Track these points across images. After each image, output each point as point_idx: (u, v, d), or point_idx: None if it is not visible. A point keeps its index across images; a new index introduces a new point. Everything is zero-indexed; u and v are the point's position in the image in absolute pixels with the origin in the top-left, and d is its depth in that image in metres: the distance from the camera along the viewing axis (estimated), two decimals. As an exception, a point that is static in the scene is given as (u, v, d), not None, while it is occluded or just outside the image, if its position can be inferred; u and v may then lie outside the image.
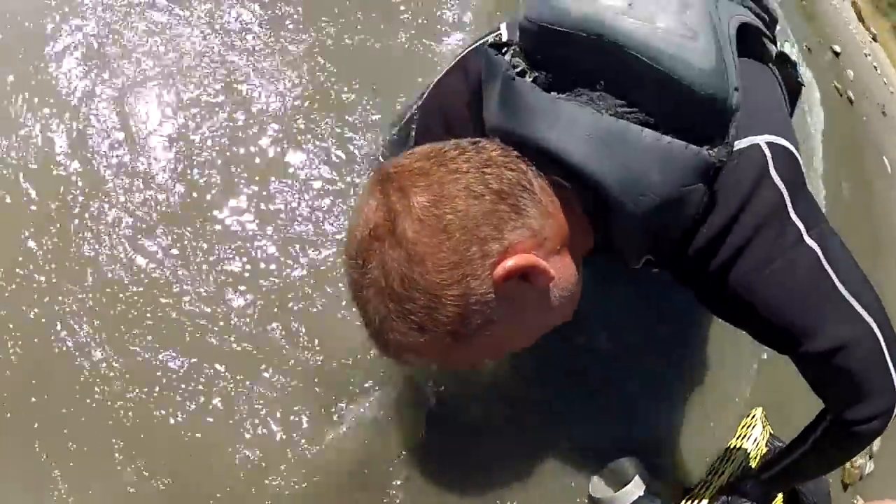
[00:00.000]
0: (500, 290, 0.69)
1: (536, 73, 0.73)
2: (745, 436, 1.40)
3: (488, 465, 1.21)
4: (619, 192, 0.71)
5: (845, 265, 0.82)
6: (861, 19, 3.32)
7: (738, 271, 0.79)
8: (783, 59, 1.05)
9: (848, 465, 2.31)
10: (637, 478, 1.17)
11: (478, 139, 0.75)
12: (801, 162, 0.84)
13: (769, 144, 0.78)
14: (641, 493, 1.13)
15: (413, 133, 1.15)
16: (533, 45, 0.75)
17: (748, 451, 1.34)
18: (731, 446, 1.40)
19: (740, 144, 0.76)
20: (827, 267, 0.79)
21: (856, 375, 0.83)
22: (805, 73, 2.84)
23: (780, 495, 1.32)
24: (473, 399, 1.27)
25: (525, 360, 1.27)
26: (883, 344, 0.82)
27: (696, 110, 0.69)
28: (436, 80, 1.05)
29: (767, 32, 1.00)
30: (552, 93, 0.73)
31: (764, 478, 1.11)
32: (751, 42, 0.93)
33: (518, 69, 0.75)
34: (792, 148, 0.81)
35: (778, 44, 1.07)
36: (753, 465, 1.30)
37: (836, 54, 3.22)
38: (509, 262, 0.67)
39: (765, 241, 0.78)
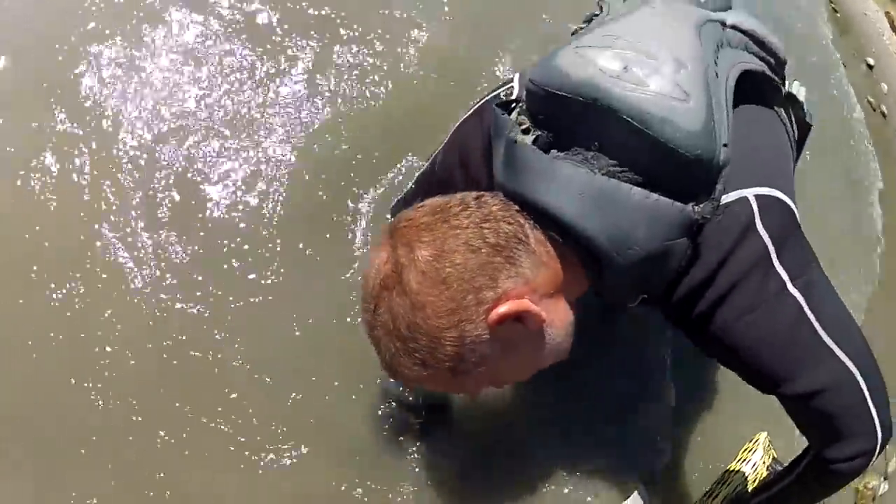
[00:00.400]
0: (494, 332, 0.77)
1: (539, 133, 0.80)
2: (744, 459, 1.44)
3: (489, 486, 1.28)
4: (608, 246, 0.76)
5: (831, 311, 0.86)
6: (894, 29, 3.23)
7: (719, 319, 0.84)
8: (791, 100, 1.08)
9: (861, 486, 2.32)
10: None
11: (482, 193, 0.83)
12: (794, 210, 0.87)
13: (758, 197, 0.82)
14: None
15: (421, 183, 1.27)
16: (536, 106, 0.82)
17: (746, 474, 1.38)
18: (730, 469, 1.43)
19: (728, 198, 0.81)
20: (809, 314, 0.83)
21: (835, 418, 0.87)
22: (845, 89, 2.81)
23: None
24: (471, 420, 1.34)
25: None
26: (864, 388, 0.86)
27: (683, 169, 0.75)
28: (456, 125, 1.13)
29: (774, 76, 1.02)
30: (552, 151, 0.79)
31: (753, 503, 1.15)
32: (756, 87, 0.97)
33: (523, 127, 0.81)
34: (784, 198, 0.85)
35: (787, 84, 1.10)
36: (750, 489, 1.34)
37: (870, 67, 3.15)
38: (502, 308, 0.76)
39: (746, 290, 0.82)
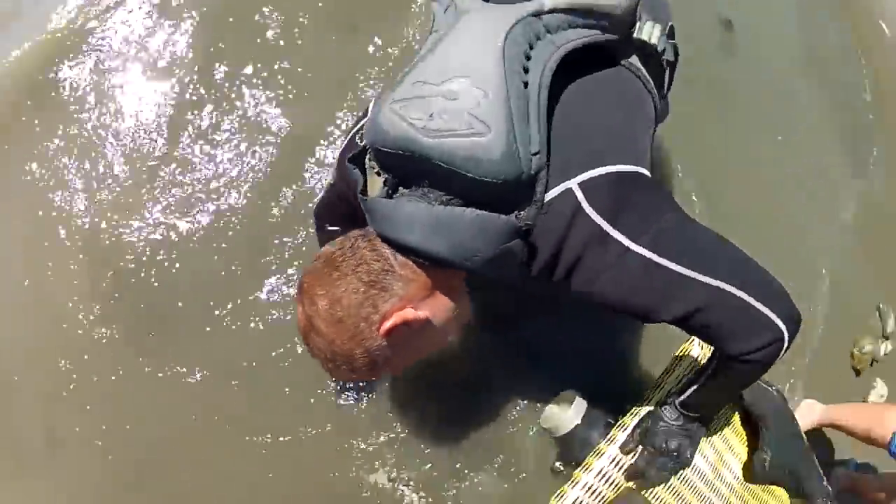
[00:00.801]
0: (389, 339, 1.00)
1: (386, 176, 0.96)
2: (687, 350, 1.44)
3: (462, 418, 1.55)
4: (455, 257, 0.94)
5: (689, 246, 0.95)
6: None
7: (575, 283, 0.99)
8: (643, 46, 1.09)
9: (856, 351, 2.42)
10: (578, 400, 1.36)
11: (357, 237, 1.00)
12: (633, 172, 0.96)
13: (582, 184, 0.92)
14: (580, 418, 1.32)
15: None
16: (376, 157, 0.97)
17: (696, 356, 1.41)
18: (677, 354, 1.45)
19: (553, 193, 0.93)
20: (659, 261, 0.93)
21: (721, 326, 0.96)
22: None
23: (736, 415, 1.45)
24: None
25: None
26: (744, 296, 0.93)
27: (497, 190, 0.89)
28: (339, 151, 1.27)
29: (611, 37, 1.05)
30: (400, 188, 0.96)
31: (677, 402, 1.20)
32: (594, 52, 1.03)
33: (375, 170, 0.98)
34: (616, 168, 0.94)
35: (637, 28, 1.09)
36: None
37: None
38: (387, 324, 0.97)
39: (589, 263, 0.95)
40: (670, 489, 1.30)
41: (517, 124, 0.84)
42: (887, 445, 1.79)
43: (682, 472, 1.29)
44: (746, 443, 1.49)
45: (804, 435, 1.86)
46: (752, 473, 1.45)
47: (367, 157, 0.98)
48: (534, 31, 0.92)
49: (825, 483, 1.60)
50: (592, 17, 1.00)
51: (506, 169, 0.84)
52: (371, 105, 1.06)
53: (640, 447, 1.21)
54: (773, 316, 0.96)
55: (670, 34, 1.14)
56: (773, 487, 1.56)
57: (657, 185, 1.02)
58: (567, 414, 1.32)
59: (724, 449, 1.43)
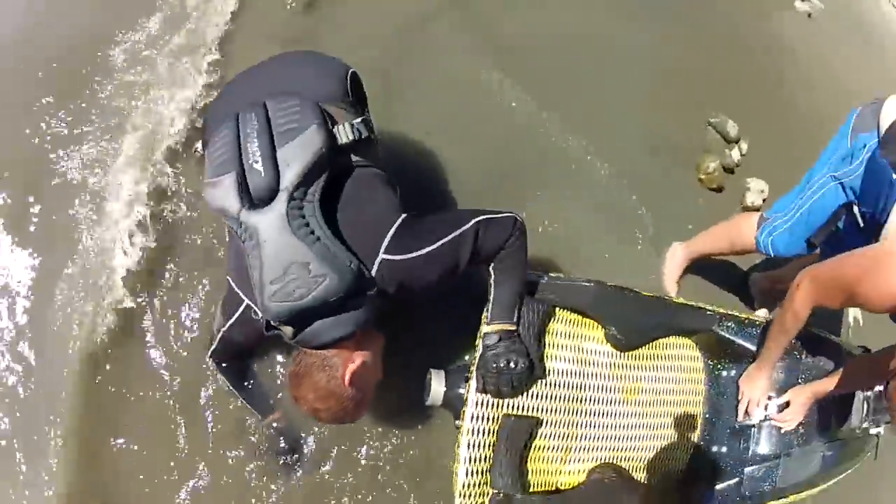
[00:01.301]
0: (355, 384, 1.31)
1: (292, 326, 1.24)
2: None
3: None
4: (352, 329, 1.24)
5: (431, 231, 1.28)
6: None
7: (417, 292, 1.32)
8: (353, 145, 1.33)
9: (702, 176, 2.59)
10: (435, 372, 1.55)
11: (300, 355, 1.33)
12: (398, 225, 1.25)
13: (384, 251, 1.24)
14: (443, 385, 1.53)
15: None
16: (282, 323, 1.23)
17: None
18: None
19: (374, 268, 1.24)
20: (431, 248, 1.25)
21: (487, 244, 1.33)
22: None
23: (568, 313, 1.61)
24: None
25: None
26: (479, 220, 1.31)
27: (352, 291, 1.18)
28: (228, 327, 1.48)
29: (335, 161, 1.28)
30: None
31: (487, 323, 1.42)
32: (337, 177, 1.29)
33: (283, 325, 1.25)
34: (391, 231, 1.24)
35: (338, 140, 1.30)
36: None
37: None
38: (347, 377, 1.29)
39: (416, 275, 1.27)
40: (533, 396, 1.50)
41: (332, 260, 1.17)
42: (756, 248, 1.96)
43: (540, 378, 1.50)
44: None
45: (667, 292, 2.03)
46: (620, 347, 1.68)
47: (275, 322, 1.26)
48: (297, 207, 1.19)
49: (710, 313, 1.85)
50: (316, 168, 1.22)
51: (347, 283, 1.18)
52: (250, 305, 1.34)
53: (483, 378, 1.41)
54: (502, 214, 1.36)
55: (364, 120, 1.36)
56: (669, 339, 1.82)
57: (410, 214, 1.32)
58: (434, 387, 1.52)
59: (579, 341, 1.63)
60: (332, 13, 2.25)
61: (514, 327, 1.40)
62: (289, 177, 1.17)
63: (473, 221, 1.30)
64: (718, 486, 1.85)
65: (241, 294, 1.34)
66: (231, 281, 1.37)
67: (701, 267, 2.33)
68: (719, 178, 2.59)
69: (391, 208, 1.31)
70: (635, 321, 1.69)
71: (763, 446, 1.86)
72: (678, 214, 2.44)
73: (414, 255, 1.25)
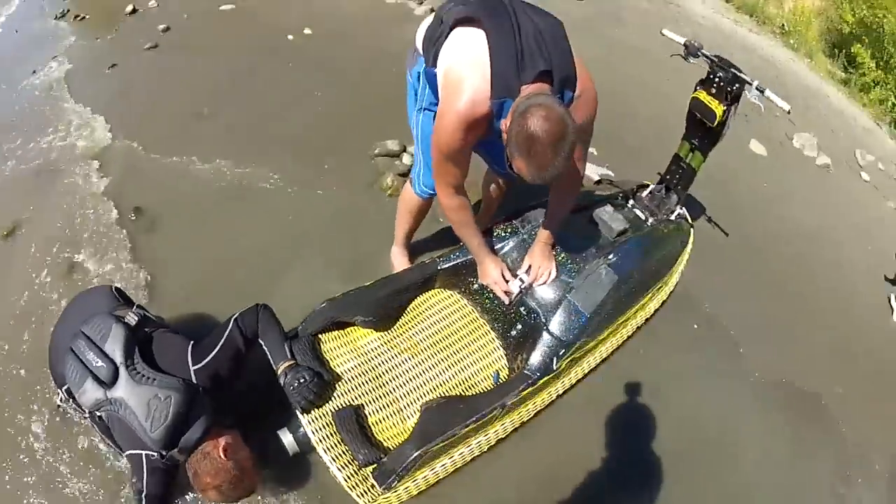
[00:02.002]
0: (231, 459, 1.58)
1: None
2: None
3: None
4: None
5: (211, 342, 1.74)
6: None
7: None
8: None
9: (388, 190, 2.93)
10: (280, 432, 1.81)
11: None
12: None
13: (193, 367, 1.69)
14: (288, 435, 1.80)
15: None
16: None
17: None
18: None
19: (194, 378, 1.67)
20: (216, 349, 1.73)
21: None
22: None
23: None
24: None
25: None
26: (232, 320, 1.77)
27: (194, 403, 1.61)
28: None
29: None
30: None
31: (274, 361, 1.79)
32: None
33: None
34: (190, 348, 1.72)
35: None
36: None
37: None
38: (221, 454, 1.58)
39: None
40: (343, 393, 1.83)
41: (168, 385, 1.60)
42: (423, 199, 2.21)
43: (333, 381, 1.82)
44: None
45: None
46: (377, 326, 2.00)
47: (165, 452, 1.60)
48: (133, 369, 1.62)
49: (428, 262, 2.18)
50: (129, 345, 1.67)
51: (184, 392, 1.60)
52: (149, 454, 1.62)
53: (295, 401, 1.74)
54: (248, 307, 1.85)
55: (138, 306, 1.84)
56: (417, 299, 2.12)
57: (194, 341, 1.76)
58: (286, 441, 1.80)
59: (349, 343, 1.97)
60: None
61: (291, 361, 1.76)
62: (118, 357, 1.61)
63: (232, 319, 1.76)
64: (540, 351, 1.96)
65: (138, 451, 1.59)
66: (130, 451, 1.61)
67: (416, 245, 2.59)
68: (400, 182, 2.93)
69: (182, 342, 1.73)
70: (372, 304, 1.98)
71: (547, 302, 2.03)
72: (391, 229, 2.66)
73: (210, 356, 1.69)
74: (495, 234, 2.18)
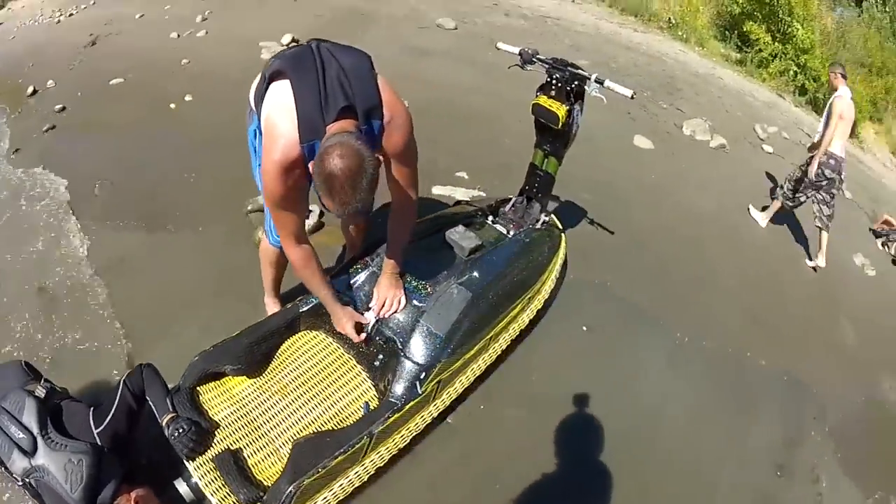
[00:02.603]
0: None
1: None
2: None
3: None
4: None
5: (107, 409, 1.80)
6: None
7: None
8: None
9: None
10: (178, 482, 1.83)
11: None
12: None
13: (96, 431, 1.75)
14: (184, 486, 1.83)
15: None
16: None
17: None
18: None
19: (99, 441, 1.73)
20: (111, 414, 1.79)
21: None
22: None
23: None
24: None
25: None
26: (121, 383, 1.85)
27: (103, 463, 1.66)
28: None
29: None
30: None
31: (159, 415, 1.86)
32: None
33: None
34: (91, 413, 1.78)
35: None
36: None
37: None
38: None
39: None
40: (223, 439, 1.90)
41: (79, 448, 1.69)
42: (279, 248, 2.19)
43: (208, 430, 1.88)
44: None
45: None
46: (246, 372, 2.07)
47: None
48: (48, 437, 1.71)
49: (290, 307, 2.18)
50: (42, 415, 1.77)
51: (93, 452, 1.69)
52: None
53: (179, 452, 1.81)
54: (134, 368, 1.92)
55: (45, 380, 1.88)
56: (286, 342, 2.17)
57: (93, 406, 1.83)
58: (182, 490, 1.83)
59: (226, 392, 2.03)
60: None
61: (173, 413, 1.84)
62: (35, 428, 1.71)
63: (121, 382, 1.85)
64: (401, 378, 1.97)
65: None
66: None
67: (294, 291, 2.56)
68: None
69: (84, 409, 1.81)
70: (239, 352, 2.03)
71: (402, 329, 2.04)
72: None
73: (108, 419, 1.77)
74: (349, 272, 2.20)
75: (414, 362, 1.99)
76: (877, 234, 5.13)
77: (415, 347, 2.00)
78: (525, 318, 2.46)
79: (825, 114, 4.04)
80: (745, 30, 8.12)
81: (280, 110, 1.62)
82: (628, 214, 3.55)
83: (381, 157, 1.63)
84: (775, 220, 4.19)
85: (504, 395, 2.40)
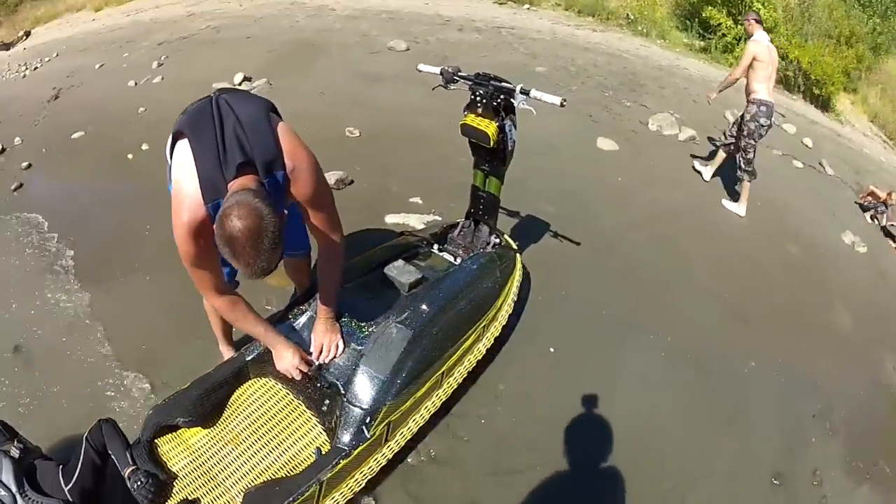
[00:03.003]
0: None
1: None
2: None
3: None
4: None
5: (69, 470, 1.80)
6: None
7: None
8: None
9: None
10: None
11: None
12: None
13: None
14: None
15: None
16: None
17: None
18: None
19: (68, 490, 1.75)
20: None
21: None
22: None
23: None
24: None
25: None
26: (85, 442, 1.85)
27: None
28: None
29: None
30: None
31: (120, 466, 1.85)
32: None
33: None
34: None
35: None
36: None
37: None
38: None
39: None
40: (183, 489, 1.88)
41: None
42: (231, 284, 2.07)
43: (166, 481, 1.87)
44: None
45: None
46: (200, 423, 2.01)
47: None
48: (25, 495, 1.73)
49: (237, 356, 2.12)
50: (19, 477, 1.79)
51: None
52: None
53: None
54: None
55: (19, 440, 1.87)
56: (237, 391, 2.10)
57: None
58: None
59: (182, 444, 1.99)
60: None
61: (133, 466, 1.83)
62: (13, 487, 1.71)
63: (84, 439, 1.84)
64: (348, 423, 1.89)
65: None
66: None
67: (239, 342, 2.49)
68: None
69: (54, 467, 1.81)
70: (189, 405, 1.98)
71: (343, 374, 1.96)
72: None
73: (76, 476, 1.79)
74: (289, 318, 2.10)
75: (358, 407, 1.90)
76: (864, 208, 4.97)
77: (358, 391, 1.91)
78: (482, 348, 2.30)
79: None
80: (705, 16, 8.06)
81: (183, 171, 1.62)
82: (595, 222, 3.39)
83: (285, 213, 1.57)
84: (751, 203, 4.03)
85: (468, 430, 2.23)
